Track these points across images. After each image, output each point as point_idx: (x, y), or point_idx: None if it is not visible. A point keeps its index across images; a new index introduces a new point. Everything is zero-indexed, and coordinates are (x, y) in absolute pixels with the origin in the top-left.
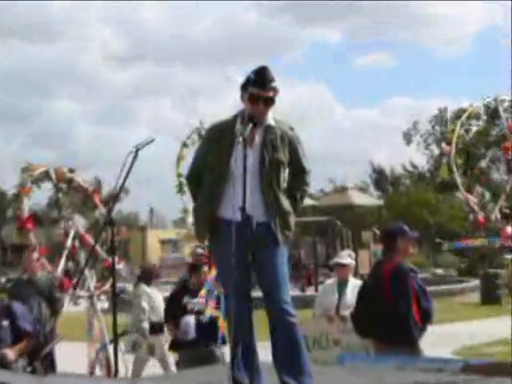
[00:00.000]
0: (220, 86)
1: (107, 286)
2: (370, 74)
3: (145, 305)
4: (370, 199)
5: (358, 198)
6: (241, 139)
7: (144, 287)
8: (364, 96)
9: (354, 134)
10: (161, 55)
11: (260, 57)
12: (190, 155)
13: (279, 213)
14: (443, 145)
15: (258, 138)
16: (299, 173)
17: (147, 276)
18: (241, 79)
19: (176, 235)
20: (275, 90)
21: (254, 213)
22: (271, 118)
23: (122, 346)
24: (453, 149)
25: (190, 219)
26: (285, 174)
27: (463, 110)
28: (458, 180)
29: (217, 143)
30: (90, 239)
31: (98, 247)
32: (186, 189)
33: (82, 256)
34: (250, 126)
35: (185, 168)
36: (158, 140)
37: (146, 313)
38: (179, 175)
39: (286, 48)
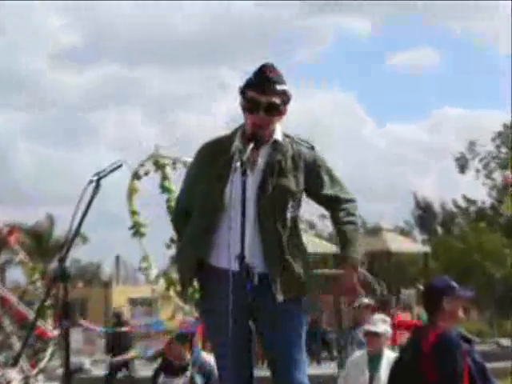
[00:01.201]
0: (209, 92)
1: (44, 363)
2: (410, 77)
3: None
4: (412, 244)
5: (397, 243)
6: (239, 163)
7: None
8: (402, 106)
9: (390, 157)
10: (128, 53)
11: (263, 55)
12: (146, 187)
13: (282, 263)
14: (507, 173)
15: (261, 160)
16: (332, 204)
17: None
18: (238, 84)
19: (151, 293)
20: (283, 94)
21: (255, 260)
22: (279, 132)
23: None
24: None
25: (154, 271)
26: (295, 208)
27: None
28: None
29: (208, 168)
30: (11, 298)
31: (24, 308)
32: (143, 230)
33: (7, 323)
34: (251, 144)
35: (139, 204)
36: (128, 164)
37: None
38: (133, 213)
39: (300, 44)
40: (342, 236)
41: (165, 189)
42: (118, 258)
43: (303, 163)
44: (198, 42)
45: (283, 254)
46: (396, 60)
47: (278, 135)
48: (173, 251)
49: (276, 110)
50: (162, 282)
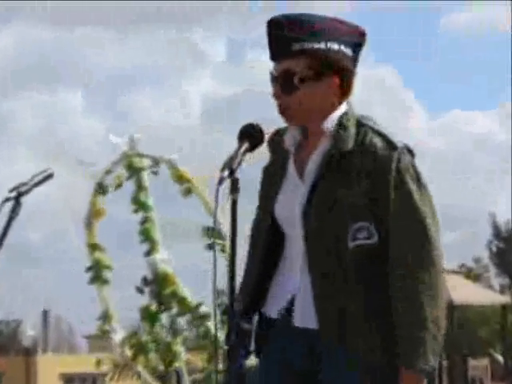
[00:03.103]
0: (178, 64)
1: None
2: (472, 47)
3: None
4: (485, 293)
5: (462, 291)
6: (227, 172)
7: None
8: (463, 89)
9: (448, 161)
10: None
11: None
12: (115, 205)
13: (339, 321)
14: None
15: (312, 162)
16: (391, 256)
17: None
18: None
19: (95, 366)
20: (310, 55)
21: (305, 312)
22: (349, 117)
23: None
24: None
25: (119, 335)
26: (367, 234)
27: None
28: None
29: (267, 190)
30: None
31: None
32: (106, 276)
33: None
34: (245, 144)
35: (103, 233)
36: (60, 174)
37: None
38: (93, 247)
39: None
40: (398, 324)
41: (140, 204)
42: (46, 313)
43: (372, 165)
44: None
45: (342, 311)
46: (453, 19)
47: (339, 120)
48: (146, 298)
49: (293, 82)
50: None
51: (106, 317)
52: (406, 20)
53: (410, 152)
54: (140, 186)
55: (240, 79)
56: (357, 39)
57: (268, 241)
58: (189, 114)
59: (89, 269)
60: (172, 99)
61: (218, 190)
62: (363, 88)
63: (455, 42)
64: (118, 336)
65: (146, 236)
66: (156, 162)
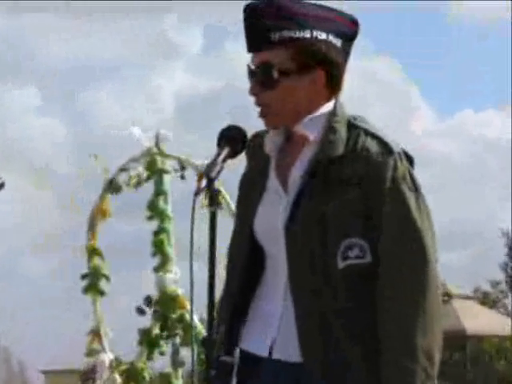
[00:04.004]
0: (147, 56)
1: None
2: (487, 36)
3: None
4: (502, 321)
5: (476, 320)
6: (205, 182)
7: None
8: (476, 85)
9: (462, 169)
10: None
11: None
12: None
13: (325, 354)
14: None
15: (296, 172)
16: (379, 287)
17: None
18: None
19: None
20: (292, 45)
21: (287, 344)
22: (339, 118)
23: None
24: None
25: (108, 357)
26: (360, 252)
27: None
28: None
29: (245, 201)
30: None
31: None
32: (103, 286)
33: None
34: (225, 150)
35: (106, 238)
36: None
37: None
38: (92, 252)
39: None
40: (384, 350)
41: (156, 211)
42: None
43: (365, 173)
44: None
45: (327, 337)
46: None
47: (327, 122)
48: (148, 320)
49: (272, 76)
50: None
51: (96, 333)
52: (409, 9)
53: (408, 158)
54: (159, 190)
55: (218, 73)
56: (348, 29)
57: (247, 260)
58: (159, 112)
59: (84, 276)
60: (140, 95)
61: (194, 202)
62: (359, 83)
63: (466, 34)
64: (108, 357)
65: (159, 249)
66: (182, 165)
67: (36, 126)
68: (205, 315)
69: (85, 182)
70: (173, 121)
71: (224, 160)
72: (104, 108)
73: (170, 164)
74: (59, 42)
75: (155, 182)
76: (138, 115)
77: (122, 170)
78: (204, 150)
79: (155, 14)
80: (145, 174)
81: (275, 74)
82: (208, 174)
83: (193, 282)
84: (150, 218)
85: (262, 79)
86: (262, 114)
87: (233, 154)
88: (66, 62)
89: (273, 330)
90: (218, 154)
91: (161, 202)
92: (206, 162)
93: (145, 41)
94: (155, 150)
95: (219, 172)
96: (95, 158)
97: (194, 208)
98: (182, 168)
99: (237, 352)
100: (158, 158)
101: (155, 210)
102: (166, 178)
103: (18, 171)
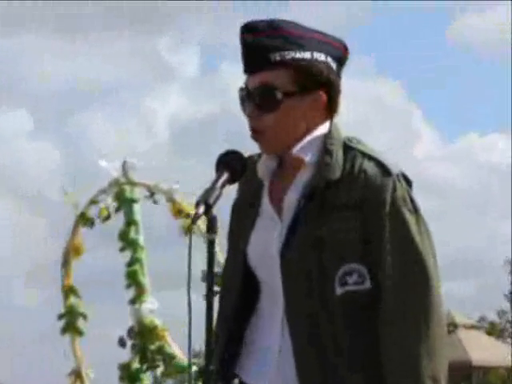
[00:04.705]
0: (140, 78)
1: None
2: (489, 58)
3: None
4: (508, 350)
5: (482, 350)
6: (202, 207)
7: None
8: (481, 107)
9: (469, 197)
10: None
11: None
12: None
13: (323, 378)
14: None
15: (291, 196)
16: (380, 319)
17: None
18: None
19: None
20: (292, 66)
21: (285, 374)
22: (334, 141)
23: None
24: None
25: None
26: (359, 277)
27: None
28: None
29: (237, 228)
30: None
31: None
32: (80, 325)
33: None
34: (225, 175)
35: (81, 274)
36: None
37: None
38: (69, 291)
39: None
40: (388, 375)
41: (128, 242)
42: None
43: (362, 196)
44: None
45: (325, 365)
46: (467, 22)
47: (323, 144)
48: (128, 354)
49: (274, 98)
50: None
51: (78, 374)
52: (411, 26)
53: (407, 180)
54: (130, 220)
55: (215, 96)
56: (341, 54)
57: (240, 289)
58: (154, 137)
59: (61, 316)
60: (134, 120)
61: (191, 230)
62: (360, 106)
63: (469, 52)
64: None
65: (133, 280)
66: (151, 192)
67: (28, 152)
68: (185, 345)
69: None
70: (167, 146)
71: (223, 185)
72: (97, 133)
73: (139, 192)
74: (50, 63)
75: (125, 212)
76: (132, 140)
77: (93, 202)
78: (201, 176)
79: (150, 35)
80: (114, 205)
81: (279, 96)
82: (206, 200)
83: (191, 310)
84: (122, 249)
85: (262, 101)
86: (259, 138)
87: (232, 180)
88: (58, 85)
89: (271, 361)
90: (216, 180)
91: (132, 232)
92: (175, 186)
93: (139, 62)
94: (123, 179)
95: (217, 198)
96: (65, 194)
97: (190, 236)
98: (152, 194)
99: (236, 382)
100: (127, 188)
101: (127, 241)
102: (136, 207)
103: (10, 198)
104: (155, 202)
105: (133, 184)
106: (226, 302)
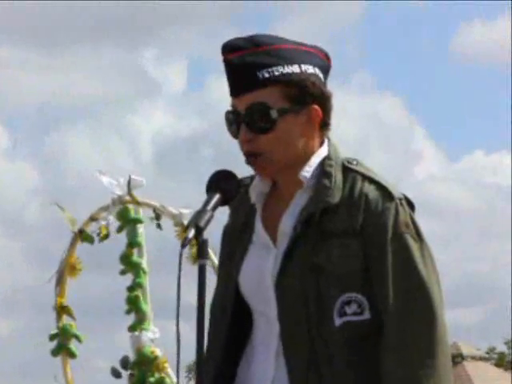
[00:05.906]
0: (126, 92)
1: None
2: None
3: None
4: None
5: (490, 382)
6: (191, 232)
7: None
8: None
9: (476, 213)
10: None
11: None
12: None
13: None
14: None
15: (286, 222)
16: (388, 326)
17: None
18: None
19: None
20: (283, 82)
21: None
22: (333, 162)
23: None
24: None
25: None
26: (359, 307)
27: None
28: None
29: (228, 256)
30: None
31: None
32: (73, 348)
33: None
34: (216, 196)
35: (75, 295)
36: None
37: None
38: (60, 310)
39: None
40: None
41: (130, 265)
42: None
43: (363, 221)
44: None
45: None
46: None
47: (320, 165)
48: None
49: (268, 118)
50: None
51: None
52: (410, 38)
53: (409, 204)
54: (133, 242)
55: (203, 113)
56: (325, 64)
57: (232, 320)
58: (137, 156)
59: (53, 337)
60: (115, 139)
61: (181, 255)
62: (358, 124)
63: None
64: None
65: (134, 306)
66: (157, 214)
67: (5, 171)
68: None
69: (54, 234)
70: (151, 166)
71: (214, 208)
72: (75, 153)
73: (143, 213)
74: (28, 79)
75: (128, 233)
76: (113, 160)
77: (93, 219)
78: (187, 197)
79: (133, 47)
80: (116, 224)
81: (274, 114)
82: (196, 223)
83: (179, 340)
84: (124, 272)
85: (256, 122)
86: (256, 162)
87: (224, 202)
88: (36, 101)
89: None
90: (208, 201)
91: (135, 255)
92: (184, 210)
93: (121, 76)
94: (127, 198)
95: (209, 221)
96: (62, 210)
97: (180, 261)
98: (158, 217)
99: None
100: (131, 207)
101: (129, 264)
102: (140, 229)
103: None
104: (159, 227)
105: (138, 204)
106: (215, 335)
